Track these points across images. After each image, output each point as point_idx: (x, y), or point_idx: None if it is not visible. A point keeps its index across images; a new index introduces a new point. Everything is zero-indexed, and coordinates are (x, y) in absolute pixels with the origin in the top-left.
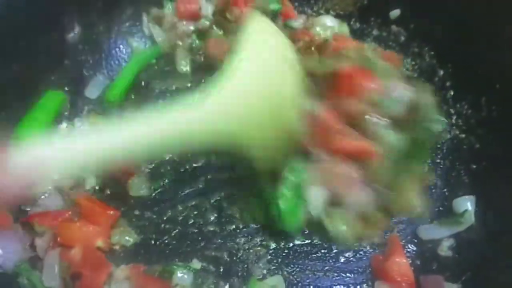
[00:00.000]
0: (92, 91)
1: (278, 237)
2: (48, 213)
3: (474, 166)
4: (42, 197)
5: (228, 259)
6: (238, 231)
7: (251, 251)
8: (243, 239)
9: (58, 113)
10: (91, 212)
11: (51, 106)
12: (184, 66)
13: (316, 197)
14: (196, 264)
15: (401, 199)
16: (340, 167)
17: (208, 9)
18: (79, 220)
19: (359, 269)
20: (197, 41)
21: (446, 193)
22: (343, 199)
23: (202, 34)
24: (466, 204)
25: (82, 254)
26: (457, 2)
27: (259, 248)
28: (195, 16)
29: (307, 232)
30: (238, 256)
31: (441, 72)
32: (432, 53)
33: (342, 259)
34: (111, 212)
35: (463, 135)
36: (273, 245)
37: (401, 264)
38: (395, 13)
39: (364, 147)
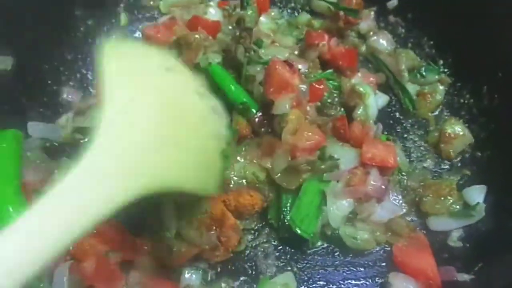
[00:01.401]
0: None
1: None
2: None
3: (480, 154)
4: None
5: (236, 257)
6: None
7: (258, 248)
8: (250, 236)
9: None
10: (108, 234)
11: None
12: None
13: (339, 208)
14: (204, 263)
15: (435, 200)
16: (367, 177)
17: None
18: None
19: (370, 263)
20: None
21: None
22: (368, 210)
23: None
24: (477, 194)
25: (95, 266)
26: None
27: (266, 245)
28: None
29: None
30: (246, 254)
31: (441, 62)
32: (431, 43)
33: (352, 253)
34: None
35: (466, 125)
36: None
37: (429, 263)
38: (392, 3)
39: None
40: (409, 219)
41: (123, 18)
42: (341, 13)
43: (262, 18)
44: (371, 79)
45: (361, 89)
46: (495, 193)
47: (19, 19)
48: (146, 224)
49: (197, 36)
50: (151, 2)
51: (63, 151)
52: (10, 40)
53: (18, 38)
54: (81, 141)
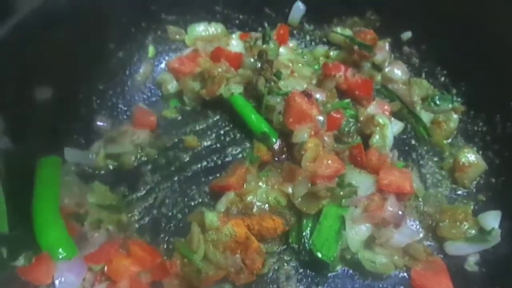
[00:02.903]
0: None
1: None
2: (100, 251)
3: (494, 180)
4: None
5: (259, 280)
6: None
7: (280, 271)
8: (272, 259)
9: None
10: (140, 256)
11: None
12: None
13: (357, 233)
14: (229, 285)
15: (451, 225)
16: (385, 203)
17: None
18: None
19: (389, 286)
20: None
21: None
22: (386, 235)
23: None
24: (492, 219)
25: (129, 287)
26: (467, 23)
27: (288, 267)
28: None
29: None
30: (269, 276)
31: (454, 91)
32: (445, 72)
33: (371, 277)
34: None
35: (480, 152)
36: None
37: (447, 287)
38: (406, 35)
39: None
40: (426, 243)
41: (151, 50)
42: (356, 46)
43: (281, 50)
44: (386, 107)
45: (380, 120)
46: (510, 218)
47: (59, 52)
48: (175, 246)
49: (220, 69)
50: (177, 36)
51: (95, 175)
52: (50, 72)
53: (57, 70)
54: (112, 166)
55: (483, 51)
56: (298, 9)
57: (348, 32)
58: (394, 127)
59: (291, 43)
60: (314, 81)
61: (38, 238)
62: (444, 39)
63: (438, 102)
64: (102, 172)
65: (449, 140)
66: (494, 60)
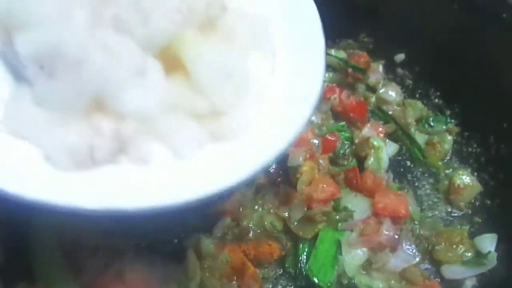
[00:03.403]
0: None
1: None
2: (96, 280)
3: (489, 202)
4: None
5: None
6: None
7: None
8: (269, 285)
9: None
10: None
11: None
12: None
13: (354, 257)
14: None
15: (447, 248)
16: (380, 227)
17: None
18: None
19: None
20: None
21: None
22: (382, 259)
23: None
24: (489, 243)
25: None
26: (459, 45)
27: None
28: None
29: None
30: None
31: (448, 112)
32: (438, 93)
33: None
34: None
35: (475, 173)
36: None
37: None
38: (400, 57)
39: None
40: (423, 267)
41: None
42: (350, 69)
43: None
44: (380, 129)
45: (375, 142)
46: (506, 241)
47: None
48: (172, 274)
49: None
50: None
51: None
52: None
53: None
54: None
55: (476, 72)
56: None
57: (342, 54)
58: (389, 149)
59: None
60: None
61: (34, 269)
62: (437, 61)
63: (432, 124)
64: None
65: (444, 162)
66: (487, 82)
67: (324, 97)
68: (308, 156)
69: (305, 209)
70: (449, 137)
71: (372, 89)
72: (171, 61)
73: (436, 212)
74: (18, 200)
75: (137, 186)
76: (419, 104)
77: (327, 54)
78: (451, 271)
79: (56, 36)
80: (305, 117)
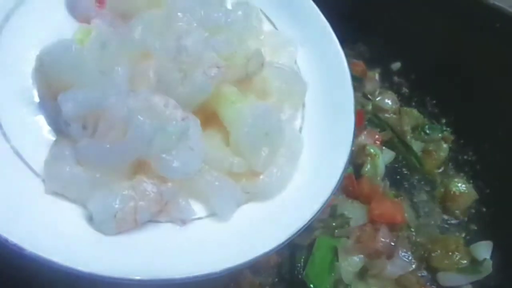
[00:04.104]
0: None
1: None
2: None
3: (484, 210)
4: None
5: None
6: None
7: None
8: None
9: None
10: None
11: None
12: None
13: (350, 264)
14: None
15: (443, 255)
16: (377, 234)
17: None
18: None
19: None
20: None
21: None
22: (378, 267)
23: None
24: (484, 250)
25: None
26: (455, 54)
27: None
28: None
29: None
30: None
31: (444, 120)
32: (434, 102)
33: None
34: None
35: (471, 181)
36: None
37: None
38: (396, 65)
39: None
40: (419, 274)
41: None
42: None
43: None
44: (377, 137)
45: (371, 150)
46: (502, 249)
47: None
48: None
49: None
50: None
51: None
52: None
53: None
54: None
55: (471, 81)
56: None
57: None
58: (385, 156)
59: None
60: None
61: None
62: (433, 69)
63: (428, 131)
64: None
65: (440, 169)
66: (482, 90)
67: None
68: None
69: None
70: (445, 145)
71: (369, 97)
72: (208, 114)
73: (432, 220)
74: (66, 272)
75: (179, 253)
76: (415, 112)
77: None
78: (447, 278)
79: (100, 97)
80: (337, 177)
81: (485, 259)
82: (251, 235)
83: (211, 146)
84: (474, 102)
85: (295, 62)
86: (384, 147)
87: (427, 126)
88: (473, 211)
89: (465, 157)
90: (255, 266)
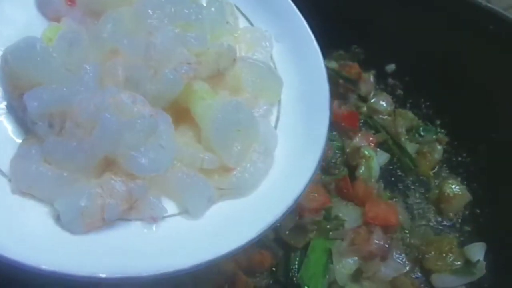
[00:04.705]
0: None
1: None
2: None
3: (478, 211)
4: None
5: None
6: None
7: None
8: None
9: None
10: None
11: None
12: None
13: (345, 266)
14: None
15: (437, 257)
16: (371, 236)
17: None
18: None
19: None
20: None
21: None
22: (372, 269)
23: None
24: (478, 252)
25: None
26: (449, 57)
27: None
28: None
29: None
30: None
31: (438, 122)
32: (428, 103)
33: None
34: None
35: (465, 182)
36: None
37: None
38: (390, 67)
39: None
40: (413, 276)
41: None
42: (341, 80)
43: None
44: (371, 138)
45: (366, 152)
46: (495, 250)
47: None
48: (162, 283)
49: None
50: None
51: None
52: None
53: None
54: None
55: (465, 83)
56: None
57: (333, 64)
58: (380, 158)
59: None
60: None
61: None
62: (427, 71)
63: (422, 133)
64: None
65: (434, 171)
66: (476, 92)
67: None
68: None
69: (297, 218)
70: (439, 147)
71: (364, 99)
72: (179, 111)
73: (426, 221)
74: (32, 271)
75: (149, 251)
76: (409, 114)
77: None
78: (441, 280)
79: (66, 94)
80: (312, 171)
81: (478, 260)
82: (222, 231)
83: (182, 142)
84: (469, 104)
85: (271, 58)
86: (378, 149)
87: (421, 128)
88: (467, 212)
89: (459, 158)
90: (250, 268)
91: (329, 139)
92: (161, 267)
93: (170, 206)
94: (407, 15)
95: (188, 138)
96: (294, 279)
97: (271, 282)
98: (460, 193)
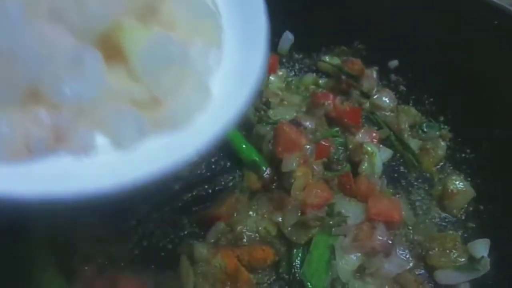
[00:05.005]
0: None
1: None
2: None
3: (482, 208)
4: None
5: None
6: None
7: None
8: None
9: None
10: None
11: None
12: None
13: (348, 262)
14: None
15: (440, 253)
16: (374, 233)
17: None
18: None
19: None
20: None
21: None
22: (376, 265)
23: None
24: (482, 248)
25: None
26: (452, 52)
27: None
28: None
29: None
30: None
31: (441, 118)
32: (432, 99)
33: None
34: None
35: (469, 179)
36: None
37: None
38: (393, 63)
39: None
40: (416, 272)
41: None
42: (343, 76)
43: (271, 78)
44: (374, 135)
45: (368, 148)
46: (499, 246)
47: None
48: (165, 279)
49: None
50: None
51: None
52: None
53: None
54: None
55: (469, 78)
56: (287, 39)
57: (336, 60)
58: (383, 155)
59: (280, 72)
60: (303, 109)
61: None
62: (430, 67)
63: (425, 129)
64: None
65: (438, 167)
66: (480, 88)
67: (318, 103)
68: (302, 161)
69: (299, 214)
70: (443, 143)
71: (366, 95)
72: (113, 50)
73: (430, 217)
74: None
75: (76, 174)
76: (412, 110)
77: (321, 60)
78: (445, 277)
79: None
80: (241, 106)
81: (482, 257)
82: (151, 160)
83: (112, 76)
84: (472, 100)
85: None
86: (381, 145)
87: (424, 124)
88: (470, 209)
89: (463, 155)
90: (251, 264)
91: (331, 135)
92: (86, 188)
93: (100, 139)
94: (410, 10)
95: (118, 72)
96: (297, 275)
97: (273, 278)
98: (464, 189)
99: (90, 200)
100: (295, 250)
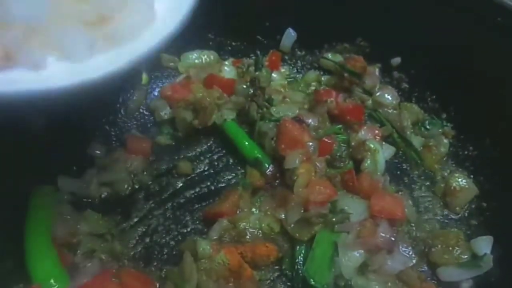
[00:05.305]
0: None
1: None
2: (93, 281)
3: (485, 205)
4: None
5: None
6: None
7: None
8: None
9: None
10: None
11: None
12: None
13: (351, 259)
14: None
15: (443, 250)
16: (377, 229)
17: None
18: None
19: None
20: None
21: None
22: (379, 262)
23: None
24: (485, 245)
25: None
26: (454, 50)
27: None
28: None
29: None
30: None
31: (444, 115)
32: (434, 97)
33: None
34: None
35: (472, 176)
36: None
37: None
38: (396, 60)
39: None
40: (419, 269)
41: (144, 77)
42: (346, 73)
43: (273, 75)
44: (377, 132)
45: (371, 145)
46: (502, 243)
47: None
48: (168, 276)
49: (210, 99)
50: (170, 63)
51: (88, 204)
52: None
53: None
54: (104, 194)
55: (471, 76)
56: (290, 36)
57: (338, 57)
58: (385, 152)
59: (283, 69)
60: (306, 106)
61: (29, 269)
62: (433, 64)
63: (428, 127)
64: (95, 200)
65: (440, 164)
66: (482, 85)
67: (320, 100)
68: (305, 158)
69: (302, 211)
70: (445, 140)
71: (369, 92)
72: None
73: (433, 215)
74: None
75: (29, 78)
76: (415, 107)
77: (324, 58)
78: (448, 273)
79: None
80: (180, 19)
81: (485, 254)
82: (98, 67)
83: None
84: (475, 97)
85: None
86: (384, 143)
87: (427, 121)
88: (473, 206)
89: (466, 152)
90: (255, 261)
91: (334, 132)
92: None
93: (51, 55)
94: (412, 8)
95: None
96: (300, 272)
97: (276, 275)
98: (466, 186)
99: (43, 98)
100: (298, 247)
